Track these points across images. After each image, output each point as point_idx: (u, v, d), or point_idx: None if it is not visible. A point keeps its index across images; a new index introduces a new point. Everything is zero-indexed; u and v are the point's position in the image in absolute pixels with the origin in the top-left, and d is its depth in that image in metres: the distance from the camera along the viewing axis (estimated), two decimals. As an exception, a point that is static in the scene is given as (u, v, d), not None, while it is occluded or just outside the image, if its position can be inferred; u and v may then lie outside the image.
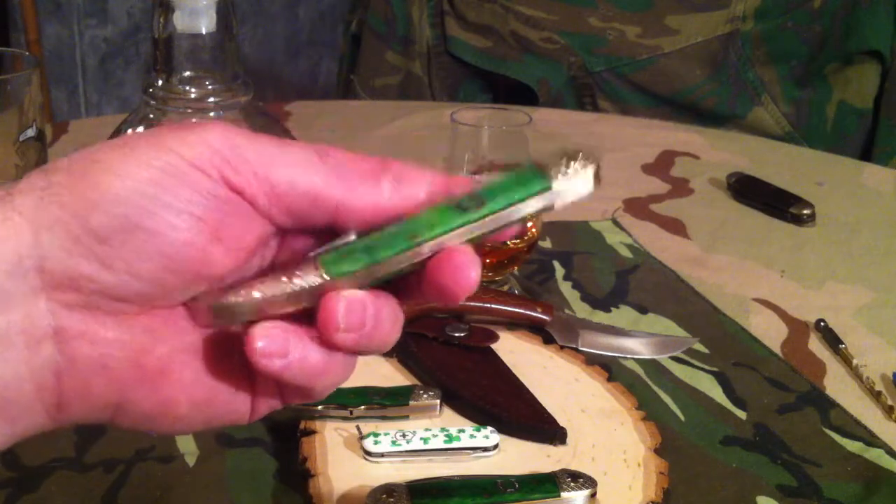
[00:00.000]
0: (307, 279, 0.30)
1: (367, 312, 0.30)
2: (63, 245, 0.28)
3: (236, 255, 0.30)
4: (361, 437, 0.53)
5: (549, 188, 0.31)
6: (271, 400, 0.33)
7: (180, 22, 0.66)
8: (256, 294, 0.30)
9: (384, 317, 0.31)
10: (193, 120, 0.65)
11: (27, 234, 0.28)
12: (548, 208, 0.31)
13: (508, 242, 0.71)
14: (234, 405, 0.32)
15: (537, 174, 0.31)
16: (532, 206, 0.31)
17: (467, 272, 0.30)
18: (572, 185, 0.31)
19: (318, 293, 0.30)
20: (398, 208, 0.31)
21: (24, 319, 0.28)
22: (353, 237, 0.31)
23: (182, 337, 0.31)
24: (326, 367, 0.31)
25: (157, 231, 0.28)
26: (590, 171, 0.31)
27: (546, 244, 0.85)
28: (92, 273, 0.28)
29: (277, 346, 0.29)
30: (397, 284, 0.32)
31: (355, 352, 0.31)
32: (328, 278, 0.30)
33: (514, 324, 0.69)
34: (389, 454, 0.53)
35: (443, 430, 0.54)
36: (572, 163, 0.31)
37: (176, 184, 0.29)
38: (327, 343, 0.30)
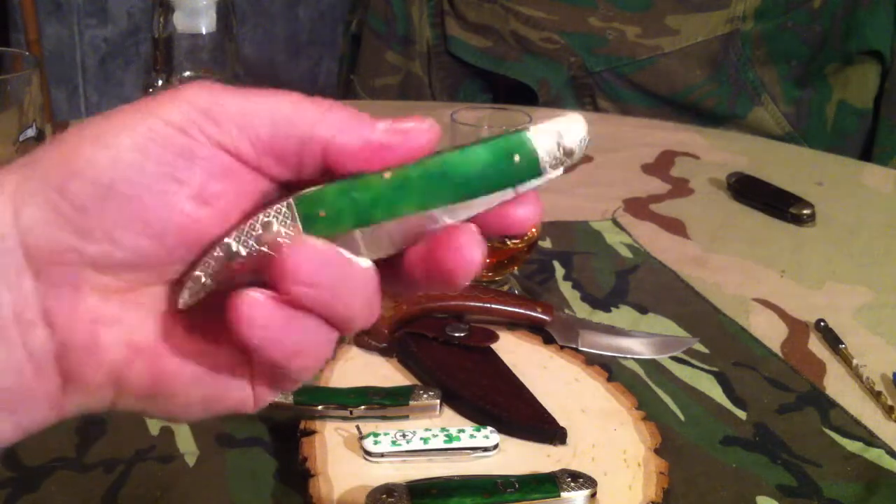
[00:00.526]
0: (272, 229, 0.28)
1: (331, 266, 0.28)
2: (43, 217, 0.27)
3: (226, 218, 0.29)
4: (361, 437, 0.53)
5: (524, 128, 0.30)
6: (266, 384, 0.31)
7: (180, 22, 0.66)
8: (217, 252, 0.28)
9: (355, 284, 0.28)
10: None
11: (7, 211, 0.27)
12: (527, 144, 0.29)
13: (508, 242, 0.72)
14: (234, 387, 0.30)
15: None
16: (507, 141, 0.29)
17: (468, 252, 0.29)
18: (555, 122, 0.29)
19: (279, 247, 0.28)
20: (391, 148, 0.29)
21: (13, 302, 0.28)
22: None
23: (173, 314, 0.30)
24: (302, 343, 0.28)
25: (136, 197, 0.27)
26: (576, 114, 0.30)
27: (546, 244, 0.85)
28: (72, 243, 0.27)
29: (263, 316, 0.27)
30: (393, 266, 0.30)
31: (320, 315, 0.28)
32: (298, 223, 0.28)
33: (514, 324, 0.69)
34: (389, 454, 0.53)
35: (443, 430, 0.54)
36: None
37: (157, 148, 0.28)
38: (289, 302, 0.28)
